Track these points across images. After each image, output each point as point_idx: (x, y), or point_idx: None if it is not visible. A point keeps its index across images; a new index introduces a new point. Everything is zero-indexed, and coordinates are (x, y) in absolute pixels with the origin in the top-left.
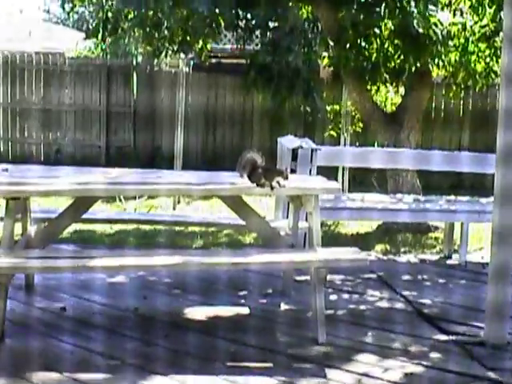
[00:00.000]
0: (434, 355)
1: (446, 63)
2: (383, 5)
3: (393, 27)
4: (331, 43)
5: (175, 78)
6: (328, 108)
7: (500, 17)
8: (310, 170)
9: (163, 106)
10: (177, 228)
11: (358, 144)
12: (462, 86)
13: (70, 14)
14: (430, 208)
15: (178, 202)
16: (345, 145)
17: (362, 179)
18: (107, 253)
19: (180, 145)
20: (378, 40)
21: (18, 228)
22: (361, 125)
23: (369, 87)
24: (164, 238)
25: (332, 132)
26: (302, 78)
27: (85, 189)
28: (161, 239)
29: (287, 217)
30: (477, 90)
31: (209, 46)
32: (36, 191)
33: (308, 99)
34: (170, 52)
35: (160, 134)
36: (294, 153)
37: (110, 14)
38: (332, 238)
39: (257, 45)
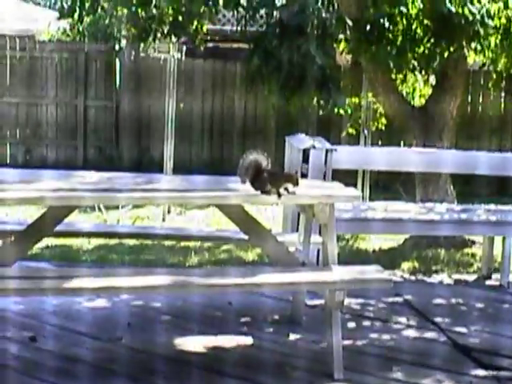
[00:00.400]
0: None
1: (484, 47)
2: None
3: (421, 5)
4: (349, 23)
5: (165, 66)
6: (346, 101)
7: None
8: (325, 174)
9: (151, 100)
10: (167, 243)
11: (380, 144)
12: (504, 75)
13: None
14: (468, 219)
15: (168, 212)
16: (365, 144)
17: (385, 185)
18: (92, 272)
19: (171, 145)
20: (404, 20)
21: None
22: (384, 121)
23: (393, 76)
24: (153, 255)
25: (351, 130)
26: (316, 66)
27: (70, 196)
28: (150, 256)
29: (297, 230)
30: None
31: (205, 28)
32: (13, 198)
33: (323, 91)
34: (158, 35)
35: (147, 132)
36: (306, 154)
37: None
38: (350, 255)
39: (261, 26)
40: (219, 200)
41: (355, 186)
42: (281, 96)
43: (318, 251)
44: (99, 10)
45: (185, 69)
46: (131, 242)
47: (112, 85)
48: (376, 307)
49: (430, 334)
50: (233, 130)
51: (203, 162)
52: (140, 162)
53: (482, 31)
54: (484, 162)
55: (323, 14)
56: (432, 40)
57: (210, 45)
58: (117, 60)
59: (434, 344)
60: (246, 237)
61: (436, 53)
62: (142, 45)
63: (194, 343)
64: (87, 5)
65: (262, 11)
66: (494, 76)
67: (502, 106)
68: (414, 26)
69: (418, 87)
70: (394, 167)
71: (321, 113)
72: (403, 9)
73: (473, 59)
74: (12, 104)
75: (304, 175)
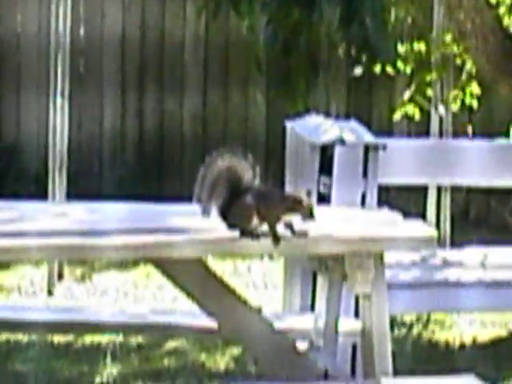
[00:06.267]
0: None
1: None
2: None
3: None
4: None
5: None
6: (401, 48)
7: None
8: (363, 195)
9: (23, 33)
10: (58, 338)
11: (471, 134)
12: None
13: None
14: None
15: (60, 277)
16: (441, 135)
17: (480, 215)
18: None
19: (62, 130)
20: None
21: None
22: (476, 89)
23: None
24: (30, 362)
25: (411, 107)
26: None
27: None
28: (22, 364)
29: (312, 308)
30: None
31: None
32: None
33: (351, 26)
34: None
35: (14, 117)
36: (326, 155)
37: None
38: (417, 355)
39: None
40: (158, 250)
41: (423, 217)
42: (272, 35)
43: (354, 348)
44: None
45: None
46: None
47: None
48: None
49: None
50: (184, 100)
51: (128, 164)
52: None
53: None
54: None
55: None
56: None
57: None
58: None
59: None
60: (213, 324)
61: None
62: None
63: None
64: None
65: None
66: None
67: None
68: None
69: None
70: (503, 180)
71: (354, 73)
72: None
73: None
74: None
75: (324, 198)
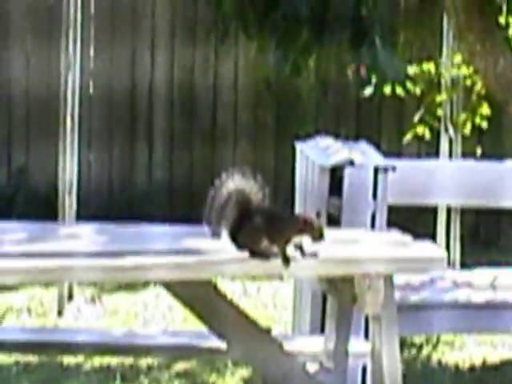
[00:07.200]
0: None
1: None
2: None
3: None
4: None
5: (58, 19)
6: (410, 70)
7: None
8: (373, 217)
9: (21, 56)
10: (68, 359)
11: (480, 154)
12: None
13: None
14: None
15: (70, 297)
16: (451, 156)
17: (490, 235)
18: None
19: (72, 155)
20: None
21: None
22: (486, 109)
23: (504, 19)
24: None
25: (420, 128)
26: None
27: None
28: None
29: (322, 329)
30: None
31: None
32: None
33: (361, 47)
34: None
35: (24, 140)
36: (336, 177)
37: None
38: (426, 376)
39: None
40: (168, 272)
41: (433, 239)
42: (281, 57)
43: (364, 370)
44: None
45: (96, 22)
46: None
47: None
48: None
49: None
50: (193, 125)
51: (131, 192)
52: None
53: None
54: None
55: None
56: None
57: None
58: None
59: None
60: (223, 345)
61: None
62: None
63: None
64: None
65: None
66: None
67: None
68: None
69: None
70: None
71: (362, 94)
72: None
73: None
74: None
75: (333, 219)
